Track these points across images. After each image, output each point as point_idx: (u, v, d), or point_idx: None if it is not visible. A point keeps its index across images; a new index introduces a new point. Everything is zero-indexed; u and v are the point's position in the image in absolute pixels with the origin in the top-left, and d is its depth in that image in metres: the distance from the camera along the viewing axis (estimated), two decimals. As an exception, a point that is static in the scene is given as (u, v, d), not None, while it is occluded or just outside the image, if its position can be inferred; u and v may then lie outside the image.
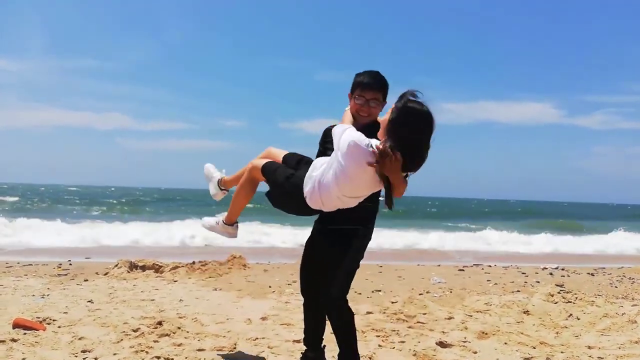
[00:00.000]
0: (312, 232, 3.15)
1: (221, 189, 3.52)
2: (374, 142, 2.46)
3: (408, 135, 2.41)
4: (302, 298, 3.22)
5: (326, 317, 3.08)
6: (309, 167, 2.76)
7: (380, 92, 2.88)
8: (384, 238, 13.86)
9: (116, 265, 7.36)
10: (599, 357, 3.65)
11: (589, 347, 3.92)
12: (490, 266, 9.51)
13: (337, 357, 2.99)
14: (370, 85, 2.85)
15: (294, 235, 13.80)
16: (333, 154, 2.58)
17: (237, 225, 3.34)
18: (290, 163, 2.89)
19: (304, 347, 3.26)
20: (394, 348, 3.82)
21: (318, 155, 2.94)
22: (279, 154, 3.02)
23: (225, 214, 3.29)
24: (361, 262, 3.04)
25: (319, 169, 2.66)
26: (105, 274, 7.10)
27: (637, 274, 8.46)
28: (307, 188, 2.65)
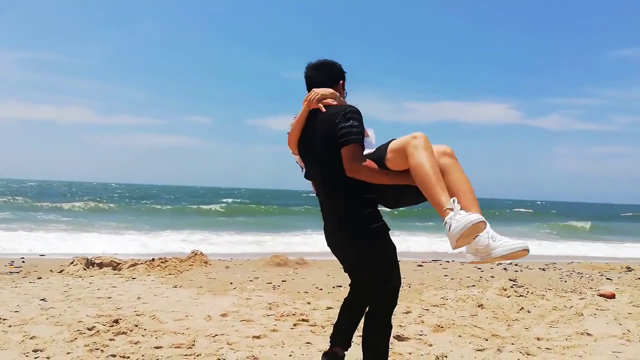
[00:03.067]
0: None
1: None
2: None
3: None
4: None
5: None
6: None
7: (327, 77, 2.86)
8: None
9: (72, 263, 7.18)
10: (547, 348, 3.82)
11: (538, 339, 4.10)
12: (448, 262, 9.76)
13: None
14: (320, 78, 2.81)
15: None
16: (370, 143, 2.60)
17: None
18: None
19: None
20: (352, 342, 3.87)
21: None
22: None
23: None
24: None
25: None
26: (60, 271, 6.91)
27: (586, 269, 8.87)
28: None
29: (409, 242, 14.35)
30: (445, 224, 2.11)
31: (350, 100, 2.89)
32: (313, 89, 2.68)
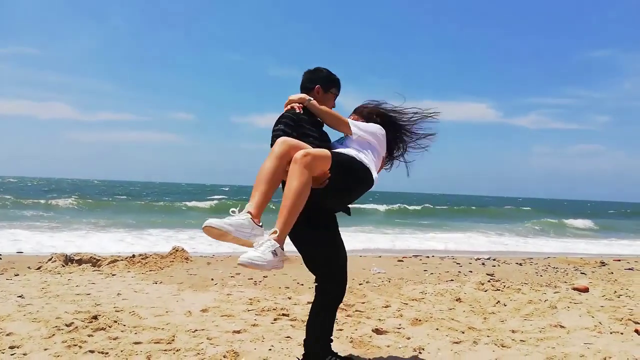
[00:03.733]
0: (333, 223, 3.02)
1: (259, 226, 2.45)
2: None
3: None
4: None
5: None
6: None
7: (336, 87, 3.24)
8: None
9: (50, 259, 7.09)
10: (521, 340, 3.91)
11: (513, 331, 4.19)
12: (428, 257, 9.88)
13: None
14: (340, 85, 3.22)
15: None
16: (361, 142, 2.98)
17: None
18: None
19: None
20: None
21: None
22: (302, 144, 2.70)
23: (268, 235, 2.42)
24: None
25: (368, 156, 2.94)
26: (38, 268, 6.82)
27: (561, 264, 9.06)
28: (375, 174, 2.93)
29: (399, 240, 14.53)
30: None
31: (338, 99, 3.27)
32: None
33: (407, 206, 34.55)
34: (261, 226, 2.43)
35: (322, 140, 2.95)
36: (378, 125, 3.10)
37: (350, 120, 3.03)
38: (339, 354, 3.20)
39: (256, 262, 2.27)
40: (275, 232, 2.39)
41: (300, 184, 2.42)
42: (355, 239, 14.54)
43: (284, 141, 2.59)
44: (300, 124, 2.87)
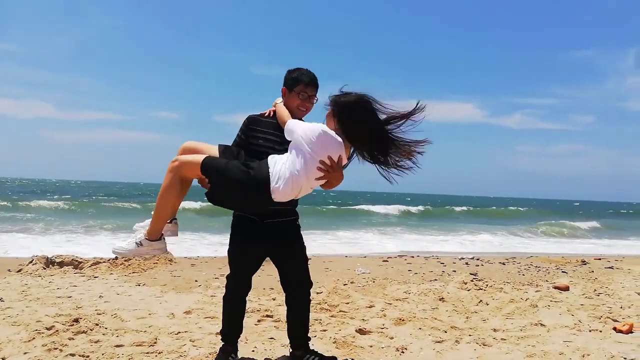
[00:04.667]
0: (243, 225, 3.10)
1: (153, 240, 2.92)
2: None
3: (356, 128, 2.70)
4: None
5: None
6: (249, 160, 2.86)
7: (317, 89, 3.11)
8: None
9: (31, 262, 6.98)
10: (502, 339, 3.96)
11: (495, 330, 4.25)
12: (412, 257, 9.95)
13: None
14: (312, 83, 3.06)
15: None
16: (295, 146, 2.74)
17: (164, 238, 2.94)
18: (230, 157, 2.88)
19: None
20: (315, 336, 3.93)
21: (237, 144, 3.06)
22: (206, 147, 2.94)
23: (143, 229, 2.90)
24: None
25: (284, 163, 2.72)
26: (19, 270, 6.72)
27: (543, 263, 9.19)
28: (277, 183, 2.69)
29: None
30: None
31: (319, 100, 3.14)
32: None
33: (410, 208, 34.54)
34: (160, 238, 2.92)
35: (282, 141, 2.92)
36: (315, 128, 2.71)
37: (288, 123, 2.85)
38: (322, 354, 3.22)
39: (118, 251, 2.86)
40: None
41: (163, 186, 2.80)
42: (341, 239, 14.61)
43: (181, 145, 2.98)
44: (251, 127, 3.05)
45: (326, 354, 3.42)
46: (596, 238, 19.32)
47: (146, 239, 2.85)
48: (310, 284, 3.23)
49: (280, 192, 2.69)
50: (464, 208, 37.69)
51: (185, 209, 27.24)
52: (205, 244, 11.98)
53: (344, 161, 2.78)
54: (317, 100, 3.10)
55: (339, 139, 2.70)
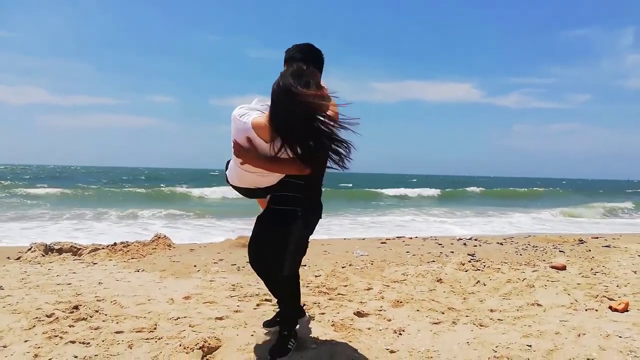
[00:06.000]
0: (264, 210, 3.25)
1: None
2: (253, 115, 2.63)
3: (280, 120, 2.57)
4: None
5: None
6: None
7: (316, 64, 2.89)
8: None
9: (29, 249, 7.00)
10: (498, 319, 4.00)
11: (491, 311, 4.29)
12: (411, 238, 9.99)
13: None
14: (306, 58, 2.84)
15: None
16: None
17: None
18: None
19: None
20: (314, 319, 3.97)
21: None
22: None
23: None
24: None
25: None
26: (18, 258, 6.74)
27: (540, 242, 9.24)
28: (229, 173, 2.98)
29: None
30: None
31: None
32: None
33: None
34: None
35: None
36: (233, 113, 2.73)
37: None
38: (319, 337, 3.25)
39: None
40: None
41: None
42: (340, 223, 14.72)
43: None
44: None
45: (324, 337, 3.46)
46: None
47: None
48: (285, 274, 3.06)
49: (229, 176, 3.03)
50: (486, 190, 37.93)
51: (191, 196, 27.33)
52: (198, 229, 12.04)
53: (259, 144, 2.67)
54: (319, 75, 2.91)
55: (245, 121, 2.62)
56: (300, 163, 2.73)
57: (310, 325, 3.73)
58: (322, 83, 2.89)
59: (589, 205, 23.87)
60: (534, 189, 43.51)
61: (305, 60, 2.80)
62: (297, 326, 3.38)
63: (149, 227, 13.23)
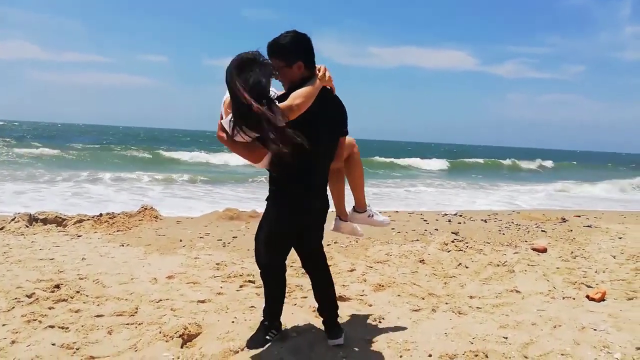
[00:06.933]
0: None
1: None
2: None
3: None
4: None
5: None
6: None
7: (276, 59, 2.82)
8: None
9: (13, 219, 6.93)
10: (477, 307, 4.06)
11: (471, 297, 4.35)
12: (396, 212, 10.04)
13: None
14: (269, 54, 2.84)
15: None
16: None
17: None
18: None
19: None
20: (295, 305, 4.00)
21: None
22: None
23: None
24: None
25: None
26: (1, 228, 6.68)
27: (524, 220, 9.35)
28: None
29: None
30: (365, 212, 3.76)
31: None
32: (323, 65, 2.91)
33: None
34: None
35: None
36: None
37: None
38: (300, 325, 3.28)
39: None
40: None
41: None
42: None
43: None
44: None
45: (305, 325, 3.50)
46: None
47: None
48: (261, 262, 3.18)
49: None
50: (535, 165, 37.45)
51: (180, 161, 27.09)
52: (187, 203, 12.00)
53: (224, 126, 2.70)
54: (290, 67, 2.83)
55: (226, 95, 2.69)
56: (250, 150, 2.73)
57: (291, 312, 3.76)
58: (319, 67, 2.89)
59: (611, 181, 23.63)
60: (563, 162, 43.22)
61: (270, 54, 2.81)
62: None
63: (146, 192, 13.27)
